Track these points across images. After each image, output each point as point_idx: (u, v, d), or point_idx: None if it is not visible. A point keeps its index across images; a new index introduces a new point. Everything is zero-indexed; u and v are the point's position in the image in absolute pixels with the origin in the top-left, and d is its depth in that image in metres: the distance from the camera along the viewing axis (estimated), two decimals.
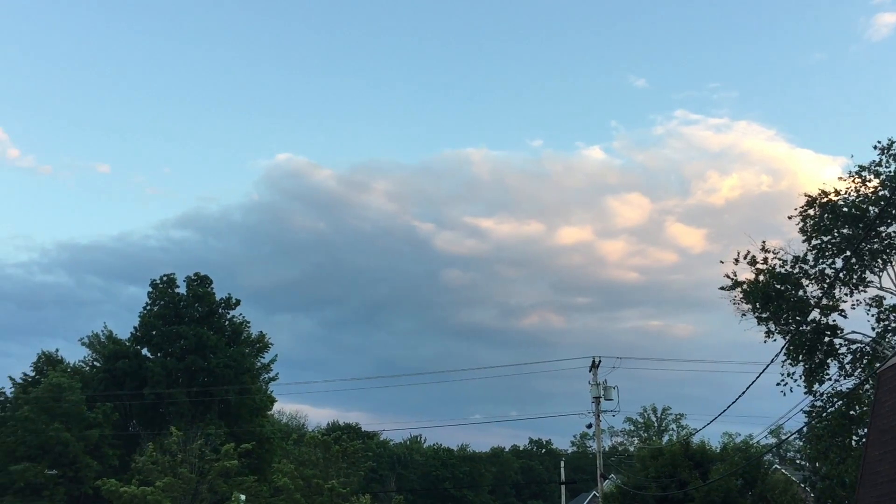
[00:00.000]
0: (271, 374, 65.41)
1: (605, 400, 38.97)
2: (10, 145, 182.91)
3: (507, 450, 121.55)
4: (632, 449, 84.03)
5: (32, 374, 57.91)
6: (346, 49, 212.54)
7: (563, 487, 61.07)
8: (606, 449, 63.39)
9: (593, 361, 39.40)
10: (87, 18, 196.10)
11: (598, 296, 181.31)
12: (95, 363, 63.57)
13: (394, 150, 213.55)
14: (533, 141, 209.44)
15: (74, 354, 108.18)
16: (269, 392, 62.89)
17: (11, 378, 57.68)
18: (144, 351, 60.73)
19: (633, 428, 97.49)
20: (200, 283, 62.21)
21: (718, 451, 45.93)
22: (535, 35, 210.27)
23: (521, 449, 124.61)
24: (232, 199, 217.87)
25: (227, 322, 62.78)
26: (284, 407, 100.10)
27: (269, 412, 64.13)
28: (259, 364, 63.99)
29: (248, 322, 63.72)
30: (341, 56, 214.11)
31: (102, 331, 65.59)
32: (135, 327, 61.12)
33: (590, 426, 40.29)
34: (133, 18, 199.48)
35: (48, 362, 58.51)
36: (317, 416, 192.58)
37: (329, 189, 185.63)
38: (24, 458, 49.63)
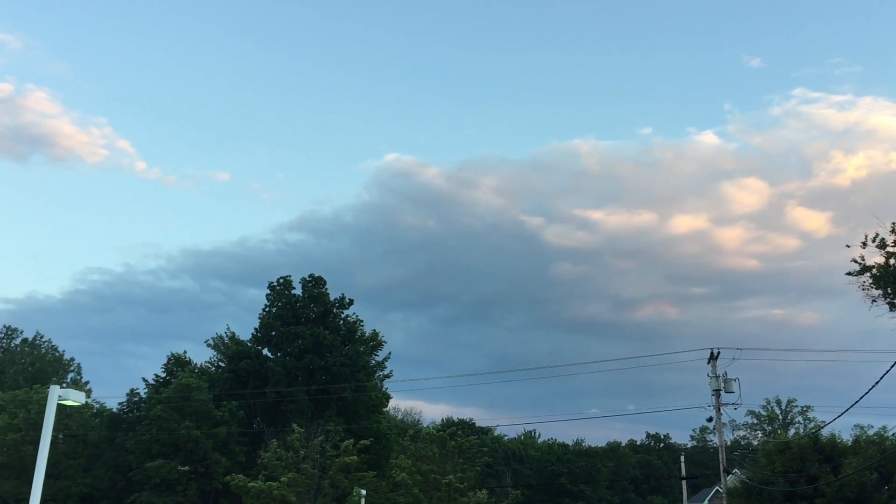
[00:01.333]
0: (385, 372, 66.71)
1: (726, 392, 37.78)
2: (137, 159, 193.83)
3: (623, 444, 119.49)
4: (755, 443, 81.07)
5: (163, 375, 61.00)
6: (448, 48, 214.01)
7: (684, 483, 59.52)
8: (728, 443, 61.36)
9: (712, 353, 38.22)
10: (203, 36, 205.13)
11: (715, 285, 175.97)
12: (220, 364, 66.37)
13: (500, 145, 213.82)
14: (642, 129, 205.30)
15: (201, 356, 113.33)
16: (384, 389, 64.06)
17: (144, 379, 61.11)
18: (265, 351, 62.89)
19: (756, 421, 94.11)
20: (315, 285, 63.94)
21: (850, 444, 43.64)
22: (641, 19, 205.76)
23: (638, 443, 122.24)
24: (343, 200, 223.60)
25: (341, 321, 64.28)
26: (399, 403, 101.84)
27: (384, 409, 65.28)
28: (373, 362, 65.24)
29: (362, 321, 65.15)
30: (444, 55, 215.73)
31: (226, 332, 68.51)
32: (255, 328, 63.42)
33: (710, 420, 39.18)
34: (245, 33, 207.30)
35: (177, 364, 61.48)
36: (431, 412, 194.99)
37: (437, 187, 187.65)
38: (158, 455, 52.25)
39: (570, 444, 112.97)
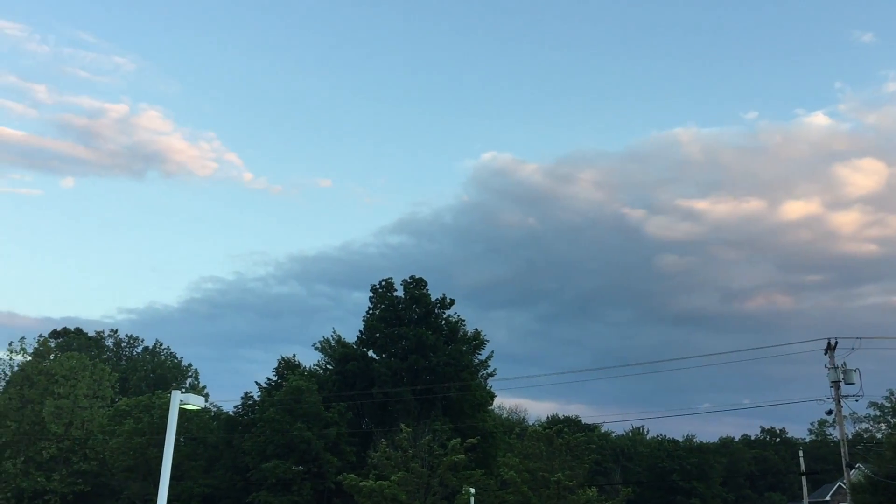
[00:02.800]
0: (489, 370, 66.80)
1: (846, 384, 36.12)
2: (245, 170, 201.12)
3: (736, 440, 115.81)
4: (879, 436, 77.01)
5: (275, 378, 62.96)
6: (540, 47, 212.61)
7: (803, 478, 57.19)
8: (850, 436, 58.44)
9: (829, 344, 36.63)
10: (301, 49, 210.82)
11: (830, 272, 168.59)
12: (328, 366, 68.00)
13: (598, 139, 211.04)
14: (746, 113, 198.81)
15: (309, 358, 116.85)
16: (488, 387, 64.17)
17: (257, 383, 63.23)
18: (370, 353, 64.00)
19: (879, 413, 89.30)
20: (416, 286, 64.64)
21: None
22: None
23: (752, 438, 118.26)
24: (442, 201, 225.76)
25: (443, 321, 64.75)
26: (504, 401, 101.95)
27: (489, 407, 65.38)
28: (477, 360, 65.43)
29: (464, 320, 65.42)
30: (537, 53, 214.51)
31: (332, 335, 70.15)
32: (360, 331, 64.63)
33: (829, 412, 37.54)
34: (340, 42, 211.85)
35: (287, 367, 63.35)
36: (536, 409, 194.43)
37: (535, 184, 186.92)
38: (273, 455, 53.94)
39: (681, 440, 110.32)
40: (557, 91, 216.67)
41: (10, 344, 64.80)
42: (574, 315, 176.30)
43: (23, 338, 64.61)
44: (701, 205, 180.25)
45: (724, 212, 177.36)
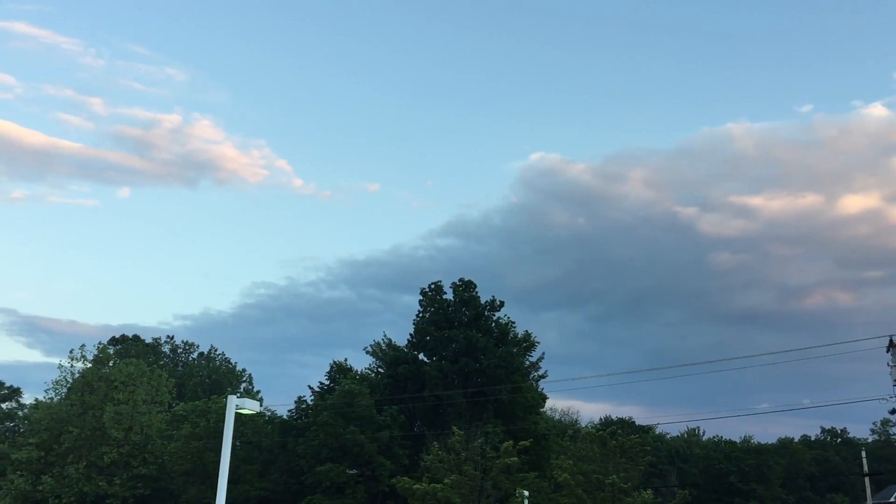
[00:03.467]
0: (540, 372, 66.43)
1: None
2: (294, 176, 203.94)
3: (796, 440, 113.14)
4: None
5: (327, 382, 63.51)
6: (586, 46, 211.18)
7: (866, 479, 55.64)
8: None
9: (891, 341, 35.58)
10: (347, 56, 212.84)
11: (891, 267, 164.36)
12: (379, 370, 68.34)
13: (647, 136, 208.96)
14: (801, 107, 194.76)
15: (360, 362, 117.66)
16: (539, 389, 63.81)
17: (310, 387, 63.90)
18: (421, 356, 64.14)
19: None
20: (465, 288, 64.61)
21: None
22: None
23: (812, 439, 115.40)
24: (490, 203, 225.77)
25: (493, 324, 64.57)
26: (556, 403, 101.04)
27: (541, 409, 65.00)
28: (527, 362, 65.12)
29: (514, 322, 65.16)
30: (583, 52, 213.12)
31: (383, 339, 70.43)
32: (410, 334, 64.83)
33: (893, 412, 36.48)
34: (385, 48, 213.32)
35: (339, 371, 63.86)
36: (589, 411, 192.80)
37: (584, 183, 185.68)
38: (327, 459, 54.40)
39: (738, 440, 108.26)
40: (605, 89, 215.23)
41: (71, 352, 66.60)
42: (626, 315, 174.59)
43: (83, 345, 66.25)
44: (755, 201, 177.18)
45: (779, 208, 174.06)
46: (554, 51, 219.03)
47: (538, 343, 65.84)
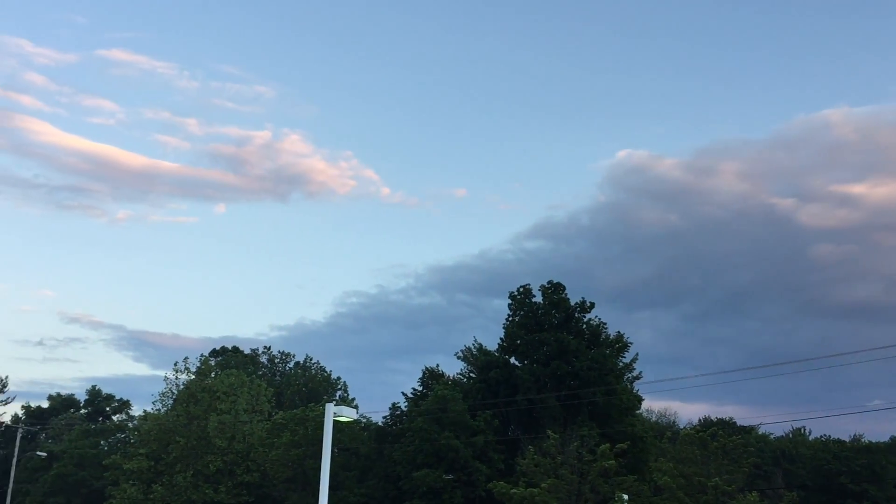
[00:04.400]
0: (635, 373, 65.26)
1: None
2: (382, 185, 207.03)
3: None
4: None
5: (420, 388, 64.06)
6: (665, 32, 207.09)
7: None
8: None
9: None
10: (428, 61, 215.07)
11: None
12: (471, 374, 68.49)
13: (739, 127, 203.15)
14: None
15: (452, 367, 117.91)
16: (635, 391, 62.71)
17: (404, 393, 64.61)
18: (512, 359, 63.96)
19: None
20: (554, 291, 64.10)
21: None
22: None
23: None
24: (578, 203, 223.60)
25: (584, 325, 63.87)
26: (652, 405, 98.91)
27: (637, 411, 63.86)
28: (621, 364, 64.12)
29: (605, 323, 64.26)
30: (663, 41, 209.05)
31: (473, 344, 70.60)
32: (501, 338, 64.72)
33: None
34: (467, 51, 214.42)
35: (432, 377, 64.34)
36: (687, 412, 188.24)
37: (674, 179, 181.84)
38: (423, 465, 54.81)
39: (847, 440, 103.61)
40: (691, 81, 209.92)
41: (175, 364, 69.37)
42: (723, 312, 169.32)
43: (186, 358, 68.95)
44: (858, 189, 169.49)
45: (884, 195, 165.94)
46: (637, 44, 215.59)
47: (631, 344, 64.74)
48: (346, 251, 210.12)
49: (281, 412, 67.24)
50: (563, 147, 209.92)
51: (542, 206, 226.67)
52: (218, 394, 63.45)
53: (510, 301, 65.11)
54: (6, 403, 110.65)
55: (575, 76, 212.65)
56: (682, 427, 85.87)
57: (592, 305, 64.50)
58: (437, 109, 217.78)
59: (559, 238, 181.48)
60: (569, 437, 46.11)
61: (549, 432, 46.10)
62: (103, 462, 68.07)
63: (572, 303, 64.16)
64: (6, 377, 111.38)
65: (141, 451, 63.42)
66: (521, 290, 65.08)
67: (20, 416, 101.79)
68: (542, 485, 41.55)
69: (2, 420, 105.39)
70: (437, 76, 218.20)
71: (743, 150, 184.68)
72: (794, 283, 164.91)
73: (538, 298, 64.43)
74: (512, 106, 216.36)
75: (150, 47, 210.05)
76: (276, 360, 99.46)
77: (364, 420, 65.81)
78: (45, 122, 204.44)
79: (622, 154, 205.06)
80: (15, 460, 78.31)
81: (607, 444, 43.65)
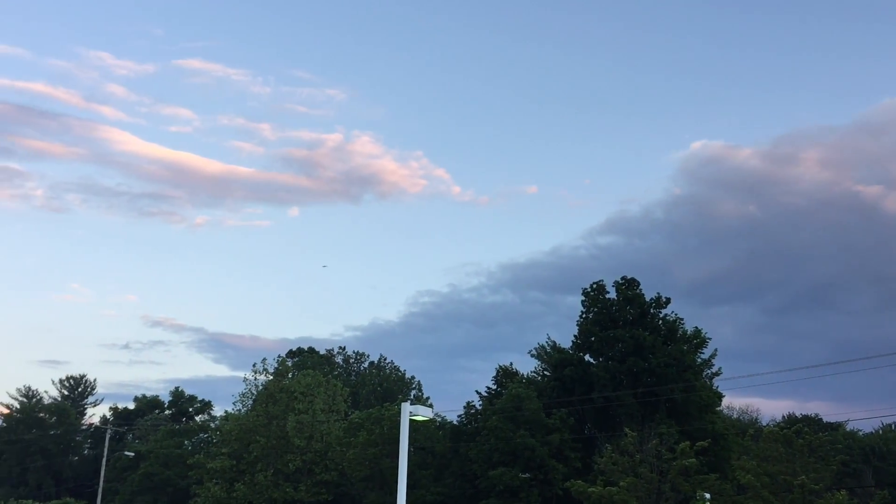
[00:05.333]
0: (713, 370, 63.79)
1: None
2: (452, 184, 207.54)
3: None
4: None
5: (494, 387, 63.93)
6: (740, 17, 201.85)
7: None
8: None
9: None
10: (496, 59, 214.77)
11: None
12: (545, 372, 68.04)
13: (820, 113, 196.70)
14: None
15: (526, 366, 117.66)
16: (714, 388, 61.31)
17: (478, 392, 64.56)
18: (587, 357, 63.30)
19: None
20: (628, 286, 63.18)
21: None
22: None
23: None
24: (651, 196, 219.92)
25: (660, 321, 62.77)
26: (733, 401, 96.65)
27: (717, 408, 62.41)
28: (699, 360, 62.78)
29: (682, 319, 63.01)
30: (736, 25, 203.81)
31: (547, 342, 70.17)
32: (574, 335, 64.09)
33: None
34: (533, 46, 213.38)
35: (505, 375, 64.13)
36: (770, 408, 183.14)
37: (752, 169, 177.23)
38: (499, 463, 54.69)
39: None
40: (768, 67, 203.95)
41: (254, 365, 70.93)
42: (807, 305, 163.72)
43: (264, 359, 70.52)
44: None
45: None
46: (706, 31, 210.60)
47: (709, 339, 63.30)
48: (418, 251, 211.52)
49: (357, 412, 68.04)
50: (634, 140, 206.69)
51: (614, 200, 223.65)
52: (295, 394, 64.57)
53: (583, 298, 64.45)
54: (95, 405, 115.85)
55: (644, 69, 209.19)
56: (765, 424, 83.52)
57: (668, 301, 63.35)
58: (506, 107, 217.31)
59: (632, 233, 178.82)
60: (647, 435, 45.36)
61: (627, 430, 45.41)
62: (187, 461, 70.13)
63: (647, 298, 63.14)
64: (94, 380, 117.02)
65: (223, 450, 65.01)
66: (595, 286, 64.33)
67: (108, 417, 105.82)
68: (621, 483, 40.96)
69: (91, 421, 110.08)
70: (505, 75, 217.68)
71: (825, 137, 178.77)
72: (882, 273, 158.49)
73: (612, 295, 63.60)
74: (581, 101, 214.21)
75: (224, 55, 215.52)
76: (351, 361, 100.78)
77: (439, 419, 66.03)
78: (126, 131, 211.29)
79: (696, 145, 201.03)
80: (104, 460, 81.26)
81: (687, 442, 42.76)
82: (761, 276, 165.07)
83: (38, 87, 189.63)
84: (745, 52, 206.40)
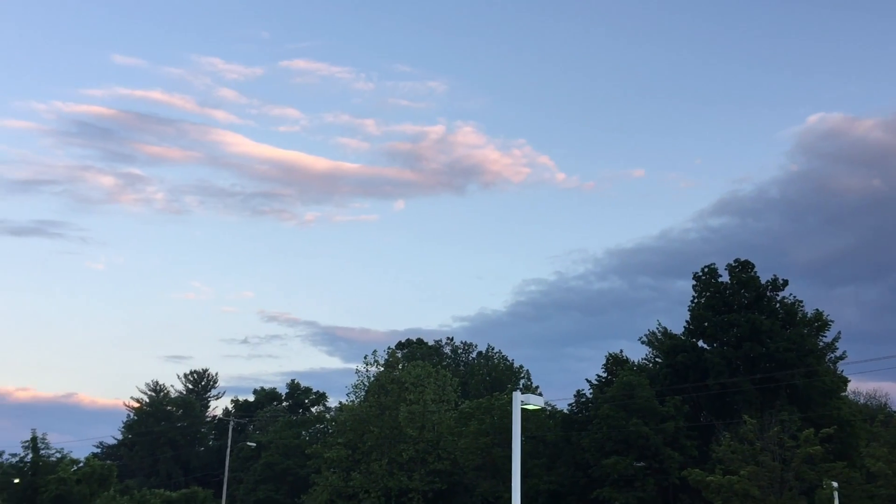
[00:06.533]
0: (837, 353, 60.94)
1: None
2: (557, 170, 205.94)
3: None
4: None
5: (605, 374, 63.11)
6: None
7: None
8: None
9: None
10: (592, 40, 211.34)
11: None
12: (657, 359, 66.63)
13: None
14: None
15: (636, 353, 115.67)
16: (839, 372, 58.58)
17: (588, 380, 63.85)
18: (700, 343, 61.62)
19: None
20: (742, 269, 61.13)
21: None
22: None
23: None
24: (766, 174, 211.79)
25: (777, 304, 60.44)
26: (859, 386, 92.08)
27: (842, 393, 59.61)
28: (821, 343, 60.11)
29: (801, 301, 60.49)
30: None
31: (657, 328, 68.61)
32: (687, 321, 62.51)
33: None
34: (631, 30, 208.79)
35: (616, 363, 63.17)
36: None
37: (876, 141, 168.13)
38: (612, 452, 53.98)
39: None
40: (887, 30, 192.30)
41: (365, 357, 72.42)
42: None
43: (375, 351, 72.01)
44: None
45: None
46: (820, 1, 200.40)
47: (832, 322, 60.46)
48: (524, 239, 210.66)
49: (467, 401, 68.50)
50: (745, 117, 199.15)
51: (725, 180, 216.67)
52: (406, 385, 65.59)
53: (695, 282, 62.79)
54: (217, 398, 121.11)
55: (754, 41, 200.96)
56: (895, 410, 79.14)
57: (786, 283, 60.95)
58: (608, 90, 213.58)
59: (746, 213, 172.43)
60: (767, 423, 43.76)
61: (746, 417, 43.97)
62: (305, 451, 72.28)
63: (763, 281, 60.92)
64: (216, 374, 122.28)
65: (339, 440, 66.75)
66: (707, 269, 62.54)
67: (230, 409, 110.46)
68: (742, 472, 39.72)
69: (214, 413, 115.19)
70: (606, 59, 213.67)
71: None
72: None
73: (724, 278, 61.69)
74: (686, 78, 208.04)
75: (328, 54, 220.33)
76: (459, 351, 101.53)
77: (549, 408, 65.69)
78: (238, 133, 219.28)
79: (813, 119, 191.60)
80: (228, 451, 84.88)
81: (811, 430, 41.06)
82: (888, 253, 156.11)
83: (156, 94, 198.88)
84: (860, 15, 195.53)
